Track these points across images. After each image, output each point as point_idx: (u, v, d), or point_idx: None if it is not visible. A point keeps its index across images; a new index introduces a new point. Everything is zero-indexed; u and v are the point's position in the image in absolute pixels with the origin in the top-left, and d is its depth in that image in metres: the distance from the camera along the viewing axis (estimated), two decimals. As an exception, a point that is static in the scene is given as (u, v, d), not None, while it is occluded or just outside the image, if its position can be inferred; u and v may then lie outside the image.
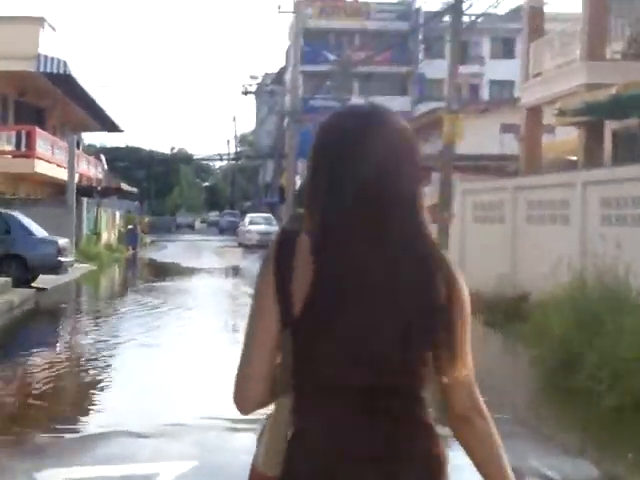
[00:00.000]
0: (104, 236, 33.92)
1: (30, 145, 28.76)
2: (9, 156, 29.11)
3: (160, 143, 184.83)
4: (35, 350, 11.35)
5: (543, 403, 8.95)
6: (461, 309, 1.75)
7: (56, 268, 18.30)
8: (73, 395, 8.96)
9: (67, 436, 6.78)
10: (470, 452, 1.81)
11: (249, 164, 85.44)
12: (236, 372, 1.76)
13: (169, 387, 8.82)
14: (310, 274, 1.67)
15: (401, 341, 1.68)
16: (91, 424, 7.35)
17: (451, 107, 15.64)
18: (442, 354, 1.72)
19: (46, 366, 10.02)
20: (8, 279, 16.29)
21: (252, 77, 54.93)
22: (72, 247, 25.51)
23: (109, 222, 36.41)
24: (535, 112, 20.65)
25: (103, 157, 48.80)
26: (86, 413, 7.93)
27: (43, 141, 30.07)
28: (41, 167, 29.16)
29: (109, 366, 10.29)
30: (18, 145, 29.24)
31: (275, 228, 41.93)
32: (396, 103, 55.63)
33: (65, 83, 30.27)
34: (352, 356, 1.66)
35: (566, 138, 21.82)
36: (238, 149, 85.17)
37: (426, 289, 1.70)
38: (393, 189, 1.71)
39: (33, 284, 18.45)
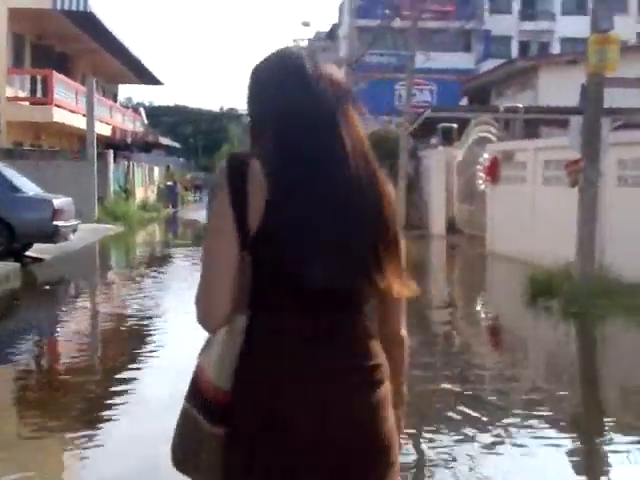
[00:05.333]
0: (138, 193, 30.08)
1: (48, 91, 25.04)
2: (26, 103, 25.50)
3: (209, 101, 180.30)
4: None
5: None
6: (396, 227, 1.84)
7: (50, 235, 13.95)
8: None
9: None
10: (389, 362, 1.88)
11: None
12: (197, 293, 1.75)
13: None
14: (264, 192, 1.70)
15: (357, 246, 1.75)
16: None
17: (600, 26, 10.74)
18: (392, 270, 1.79)
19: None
20: (-18, 249, 12.35)
21: (304, 24, 50.22)
22: (93, 206, 21.87)
23: (144, 178, 32.57)
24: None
25: (142, 110, 45.30)
26: None
27: (64, 88, 26.34)
28: (61, 116, 25.49)
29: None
30: (34, 91, 25.56)
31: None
32: (459, 60, 51.83)
33: (88, 24, 26.53)
34: (311, 261, 1.70)
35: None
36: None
37: (378, 209, 1.78)
38: (333, 114, 1.77)
39: (28, 253, 14.60)
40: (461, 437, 5.25)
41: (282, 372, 1.73)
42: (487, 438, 5.24)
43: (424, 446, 5.05)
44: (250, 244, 1.71)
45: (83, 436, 5.19)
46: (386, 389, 1.82)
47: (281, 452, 1.72)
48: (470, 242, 19.87)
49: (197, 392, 1.79)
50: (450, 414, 5.75)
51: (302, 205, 1.71)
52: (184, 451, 1.83)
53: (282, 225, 1.70)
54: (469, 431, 5.36)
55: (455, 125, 23.71)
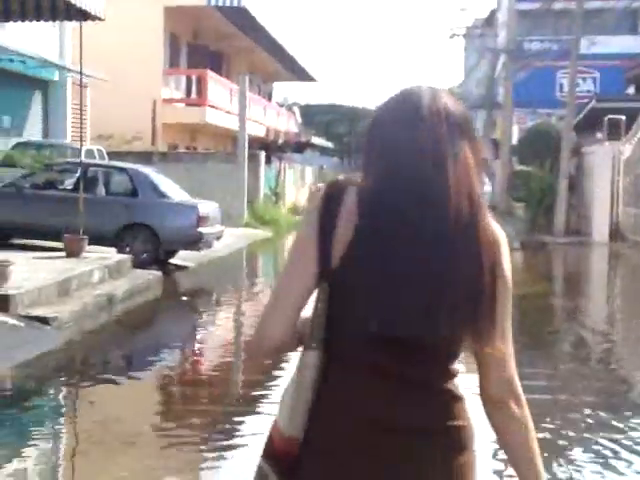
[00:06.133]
0: (289, 196, 29.86)
1: (202, 91, 25.26)
2: (181, 104, 25.85)
3: (364, 99, 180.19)
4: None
5: None
6: (505, 283, 1.72)
7: (194, 242, 13.51)
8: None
9: None
10: (502, 440, 1.77)
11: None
12: (262, 314, 1.71)
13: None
14: (353, 226, 1.67)
15: (444, 300, 1.64)
16: None
17: None
18: (482, 325, 1.68)
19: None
20: (125, 257, 12.08)
21: (461, 10, 49.00)
22: (242, 209, 21.84)
23: (296, 180, 32.35)
24: None
25: (297, 109, 45.33)
26: None
27: (217, 87, 26.49)
28: (215, 117, 25.67)
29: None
30: (189, 92, 25.87)
31: (486, 187, 37.24)
32: (624, 43, 48.84)
33: (242, 20, 26.55)
34: (391, 308, 1.63)
35: None
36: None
37: (472, 257, 1.67)
38: (442, 156, 1.69)
39: (172, 261, 14.36)
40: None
41: (353, 428, 1.66)
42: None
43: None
44: (331, 276, 1.67)
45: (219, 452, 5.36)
46: (471, 456, 1.72)
47: None
48: (635, 250, 18.38)
49: (270, 446, 1.73)
50: None
51: (387, 247, 1.64)
52: None
53: (363, 261, 1.65)
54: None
55: (623, 117, 22.07)
